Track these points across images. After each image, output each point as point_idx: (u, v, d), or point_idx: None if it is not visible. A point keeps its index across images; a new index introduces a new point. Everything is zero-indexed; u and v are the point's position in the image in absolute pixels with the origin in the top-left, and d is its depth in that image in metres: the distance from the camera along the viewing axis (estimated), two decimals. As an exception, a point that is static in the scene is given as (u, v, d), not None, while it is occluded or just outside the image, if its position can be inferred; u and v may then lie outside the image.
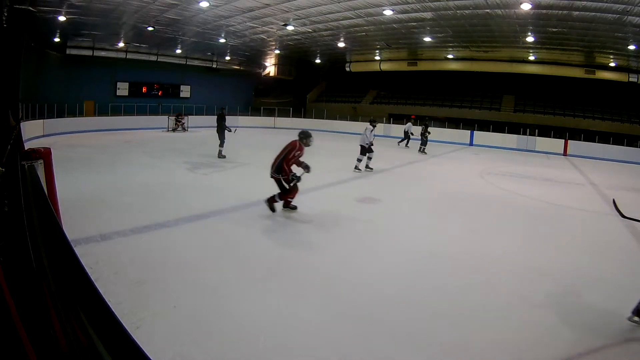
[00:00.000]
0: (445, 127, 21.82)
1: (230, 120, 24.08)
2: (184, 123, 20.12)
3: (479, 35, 17.22)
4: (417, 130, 16.43)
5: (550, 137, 18.76)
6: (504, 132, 19.92)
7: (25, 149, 2.57)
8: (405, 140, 17.07)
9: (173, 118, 20.14)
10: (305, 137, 5.97)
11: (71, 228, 4.08)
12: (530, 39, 16.49)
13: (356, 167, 10.01)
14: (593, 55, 18.20)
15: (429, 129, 15.78)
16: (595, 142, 17.67)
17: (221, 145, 11.26)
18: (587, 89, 20.75)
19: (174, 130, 19.74)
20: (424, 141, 15.62)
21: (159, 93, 23.64)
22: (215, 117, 11.60)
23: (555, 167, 13.55)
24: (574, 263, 4.52)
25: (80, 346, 0.68)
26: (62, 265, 1.01)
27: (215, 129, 11.36)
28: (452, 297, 3.53)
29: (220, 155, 11.17)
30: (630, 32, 13.41)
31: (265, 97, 28.38)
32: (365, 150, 9.97)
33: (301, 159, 5.96)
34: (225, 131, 11.22)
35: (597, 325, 3.13)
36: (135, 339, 0.69)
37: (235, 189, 7.53)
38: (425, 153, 15.30)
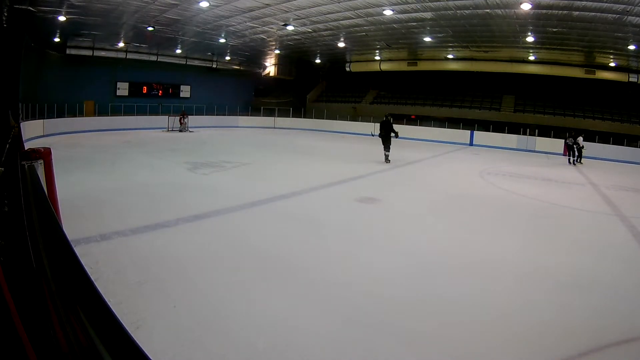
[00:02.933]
0: (445, 127, 21.83)
1: (230, 120, 24.50)
2: (187, 124, 20.02)
3: (479, 35, 17.21)
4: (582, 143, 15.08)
5: (550, 137, 18.75)
6: (504, 132, 19.93)
7: (25, 149, 2.57)
8: (578, 157, 15.19)
9: (176, 118, 19.95)
10: None
11: (71, 228, 4.08)
12: (530, 39, 16.47)
13: None
14: (593, 55, 18.18)
15: (578, 140, 14.92)
16: (595, 142, 17.66)
17: (387, 150, 11.88)
18: (587, 89, 20.73)
19: (180, 130, 19.64)
20: (574, 152, 14.94)
21: (159, 93, 23.64)
22: (380, 123, 12.12)
23: (555, 167, 13.54)
24: (574, 263, 4.52)
25: (80, 346, 0.68)
26: (62, 265, 1.01)
27: (379, 133, 11.95)
28: (453, 298, 3.53)
29: (387, 160, 11.76)
30: (630, 32, 13.40)
31: (265, 97, 28.38)
32: None
33: None
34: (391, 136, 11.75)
35: (597, 325, 3.13)
36: (135, 339, 0.68)
37: (236, 189, 7.52)
38: (580, 163, 14.62)
